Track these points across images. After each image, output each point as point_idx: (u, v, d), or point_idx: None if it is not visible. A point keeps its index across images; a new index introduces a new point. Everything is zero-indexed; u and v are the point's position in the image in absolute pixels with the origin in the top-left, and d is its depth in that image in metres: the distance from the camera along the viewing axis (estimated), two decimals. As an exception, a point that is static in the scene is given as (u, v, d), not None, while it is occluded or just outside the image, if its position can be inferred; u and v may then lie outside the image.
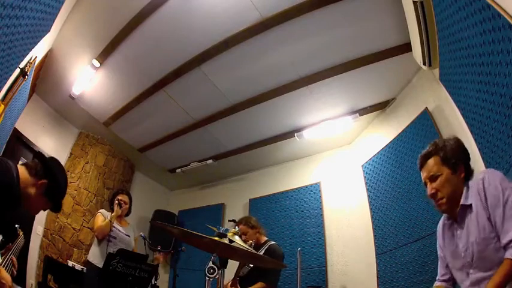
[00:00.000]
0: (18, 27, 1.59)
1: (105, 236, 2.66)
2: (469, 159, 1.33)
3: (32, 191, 1.16)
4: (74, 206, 3.72)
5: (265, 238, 2.72)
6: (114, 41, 2.85)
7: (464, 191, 1.24)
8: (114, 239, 2.66)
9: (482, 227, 1.14)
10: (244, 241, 2.51)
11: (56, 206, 1.29)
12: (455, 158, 1.29)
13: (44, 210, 1.27)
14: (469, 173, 1.30)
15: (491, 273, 1.09)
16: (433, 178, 1.31)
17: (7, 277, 1.08)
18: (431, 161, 1.33)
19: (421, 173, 1.38)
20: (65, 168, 1.37)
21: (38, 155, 1.28)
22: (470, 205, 1.20)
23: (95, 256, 2.62)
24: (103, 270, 2.21)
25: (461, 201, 1.23)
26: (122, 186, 4.50)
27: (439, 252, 1.41)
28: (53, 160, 1.29)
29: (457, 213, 1.26)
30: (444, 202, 1.29)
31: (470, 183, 1.26)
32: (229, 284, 2.33)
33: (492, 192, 1.13)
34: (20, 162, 2.71)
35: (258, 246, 2.62)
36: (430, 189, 1.32)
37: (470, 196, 1.22)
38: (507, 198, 1.09)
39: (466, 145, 2.05)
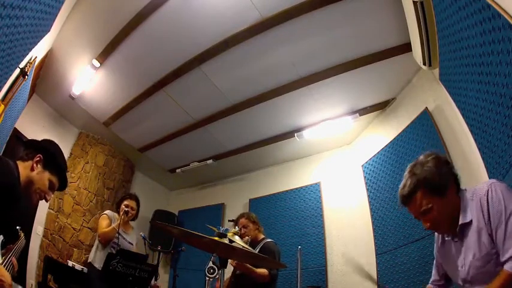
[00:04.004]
0: (18, 27, 1.59)
1: (109, 242, 2.64)
2: (452, 169, 1.25)
3: (33, 173, 1.20)
4: (74, 206, 3.73)
5: (262, 236, 2.74)
6: (114, 41, 2.85)
7: (462, 206, 1.18)
8: (118, 247, 2.63)
9: (483, 243, 1.10)
10: (242, 235, 2.52)
11: (61, 179, 1.31)
12: (441, 181, 1.18)
13: (53, 189, 1.29)
14: (457, 183, 1.24)
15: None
16: (425, 213, 1.21)
17: (7, 276, 1.08)
18: (417, 197, 1.21)
19: (408, 210, 1.28)
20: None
21: (27, 142, 1.33)
22: (470, 221, 1.14)
23: (101, 261, 2.55)
24: (103, 270, 2.21)
25: (460, 221, 1.16)
26: (122, 186, 4.50)
27: (435, 259, 1.39)
28: (42, 140, 1.33)
29: (457, 231, 1.20)
30: (445, 229, 1.23)
31: (468, 194, 1.19)
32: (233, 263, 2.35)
33: (496, 208, 1.08)
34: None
35: (254, 243, 2.63)
36: (425, 224, 1.24)
37: (470, 211, 1.15)
38: (509, 215, 1.05)
39: (466, 145, 2.05)
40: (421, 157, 1.28)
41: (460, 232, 1.19)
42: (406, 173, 1.28)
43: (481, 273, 1.11)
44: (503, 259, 1.04)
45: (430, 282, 1.41)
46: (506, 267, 1.01)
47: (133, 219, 2.92)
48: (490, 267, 1.09)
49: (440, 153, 1.28)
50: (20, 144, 3.21)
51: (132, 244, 2.81)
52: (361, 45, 2.70)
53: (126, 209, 2.78)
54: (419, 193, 1.21)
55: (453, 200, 1.20)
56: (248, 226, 2.66)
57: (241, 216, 2.76)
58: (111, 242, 2.66)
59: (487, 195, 1.11)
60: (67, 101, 3.57)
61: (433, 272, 1.40)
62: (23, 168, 1.18)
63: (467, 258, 1.16)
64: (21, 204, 1.15)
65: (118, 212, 2.80)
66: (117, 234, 2.66)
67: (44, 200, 1.28)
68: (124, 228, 2.80)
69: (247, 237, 2.55)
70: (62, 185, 1.34)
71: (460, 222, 1.17)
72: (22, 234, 1.44)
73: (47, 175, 1.24)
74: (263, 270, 2.38)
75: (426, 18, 2.01)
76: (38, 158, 1.22)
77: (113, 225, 2.70)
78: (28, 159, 1.22)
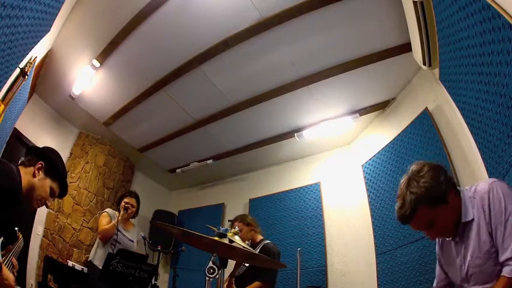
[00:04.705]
0: (18, 27, 1.59)
1: (108, 239, 2.64)
2: (448, 174, 1.22)
3: (34, 180, 1.22)
4: (74, 206, 3.72)
5: (260, 237, 2.72)
6: (114, 41, 2.84)
7: (462, 206, 1.18)
8: (118, 244, 2.63)
9: (483, 241, 1.10)
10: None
11: (62, 185, 1.33)
12: (442, 190, 1.16)
13: (54, 196, 1.30)
14: (455, 185, 1.23)
15: (488, 286, 1.09)
16: (430, 226, 1.20)
17: (10, 277, 1.08)
18: (419, 214, 1.17)
19: (410, 226, 1.24)
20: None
21: (29, 148, 1.35)
22: (471, 220, 1.15)
23: (101, 259, 2.56)
24: (103, 270, 2.21)
25: (462, 219, 1.17)
26: (122, 186, 4.50)
27: (438, 259, 1.40)
28: (43, 147, 1.36)
29: (458, 231, 1.20)
30: (450, 234, 1.23)
31: (468, 193, 1.19)
32: (225, 285, 2.33)
33: (496, 207, 1.08)
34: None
35: (253, 245, 2.62)
36: (431, 235, 1.24)
37: (471, 209, 1.15)
38: (509, 215, 1.05)
39: (466, 145, 2.05)
40: (414, 168, 1.24)
41: (461, 231, 1.19)
42: (401, 191, 1.23)
43: (480, 271, 1.12)
44: (501, 259, 1.04)
45: (435, 283, 1.39)
46: (505, 272, 1.01)
47: (133, 217, 2.93)
48: (489, 266, 1.09)
49: (432, 162, 1.25)
50: (19, 145, 3.22)
51: (132, 241, 2.81)
52: (361, 45, 2.70)
53: (126, 205, 2.79)
54: (421, 210, 1.16)
55: (455, 204, 1.19)
56: (242, 229, 2.62)
57: (235, 220, 2.74)
58: (111, 239, 2.66)
59: (488, 194, 1.11)
60: (67, 101, 3.57)
61: (437, 272, 1.39)
62: (25, 174, 1.20)
63: (467, 256, 1.16)
64: (22, 207, 1.16)
65: (118, 211, 2.81)
66: (116, 231, 2.66)
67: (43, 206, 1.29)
68: (124, 225, 2.81)
69: (246, 242, 2.53)
70: (63, 192, 1.36)
71: (462, 221, 1.17)
72: (21, 236, 1.45)
73: (48, 182, 1.26)
74: (254, 285, 2.37)
75: (426, 18, 2.01)
76: (40, 165, 1.24)
77: (113, 221, 2.71)
78: (30, 165, 1.23)
